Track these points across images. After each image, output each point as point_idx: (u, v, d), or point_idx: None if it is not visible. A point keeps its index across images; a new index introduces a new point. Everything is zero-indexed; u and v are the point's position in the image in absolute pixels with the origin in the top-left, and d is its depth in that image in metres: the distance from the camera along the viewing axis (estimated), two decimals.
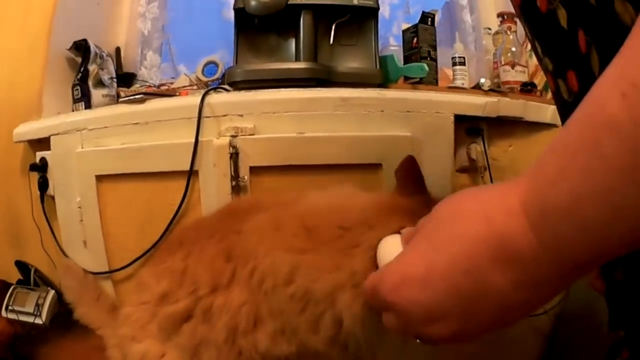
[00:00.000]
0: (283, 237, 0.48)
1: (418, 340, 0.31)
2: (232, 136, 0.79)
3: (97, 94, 0.99)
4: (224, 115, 0.81)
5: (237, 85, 0.85)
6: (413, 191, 0.50)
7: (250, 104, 0.80)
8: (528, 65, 1.03)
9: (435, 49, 0.93)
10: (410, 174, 0.52)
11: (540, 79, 1.03)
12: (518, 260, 0.24)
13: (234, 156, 0.79)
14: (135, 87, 1.03)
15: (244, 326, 0.51)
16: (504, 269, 0.25)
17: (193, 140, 0.80)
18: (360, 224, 0.44)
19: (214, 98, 0.82)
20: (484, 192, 0.27)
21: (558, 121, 1.04)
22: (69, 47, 1.05)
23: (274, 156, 0.78)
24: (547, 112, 0.98)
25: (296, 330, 0.48)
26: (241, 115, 0.80)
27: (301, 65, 0.84)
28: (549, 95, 1.02)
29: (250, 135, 0.79)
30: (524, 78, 1.00)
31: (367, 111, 0.80)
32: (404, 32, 0.95)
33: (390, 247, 0.37)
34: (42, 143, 1.00)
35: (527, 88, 0.99)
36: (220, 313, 0.52)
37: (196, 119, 0.81)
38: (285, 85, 0.82)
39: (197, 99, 0.82)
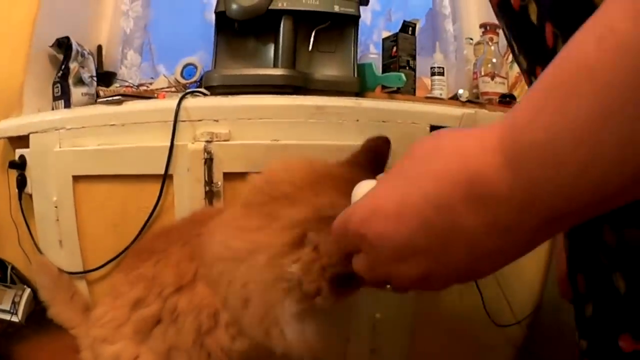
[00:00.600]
0: (226, 223, 0.49)
1: (388, 286, 0.30)
2: (207, 141, 0.80)
3: (76, 93, 0.99)
4: (200, 120, 0.81)
5: (214, 90, 0.86)
6: (364, 168, 0.50)
7: (226, 109, 0.81)
8: (508, 77, 1.04)
9: (414, 58, 0.93)
10: (375, 153, 0.51)
11: (519, 91, 1.04)
12: (489, 199, 0.24)
13: (208, 162, 0.80)
14: (115, 86, 1.03)
15: (207, 324, 0.51)
16: (476, 208, 0.24)
17: (168, 144, 0.81)
18: (284, 196, 0.45)
19: (190, 102, 0.82)
20: (463, 131, 0.27)
21: None
22: (51, 44, 1.05)
23: (248, 163, 0.79)
24: None
25: (236, 314, 0.47)
26: (217, 121, 0.81)
27: (278, 72, 0.84)
28: None
29: (225, 141, 0.80)
30: (503, 89, 1.02)
31: (342, 120, 0.81)
32: (384, 40, 0.95)
33: (364, 189, 0.35)
34: (22, 140, 1.00)
35: (506, 100, 1.00)
36: (185, 313, 0.53)
37: (172, 122, 0.81)
38: (263, 92, 0.83)
39: (173, 102, 0.82)
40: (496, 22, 1.06)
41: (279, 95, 0.82)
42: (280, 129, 0.80)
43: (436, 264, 0.27)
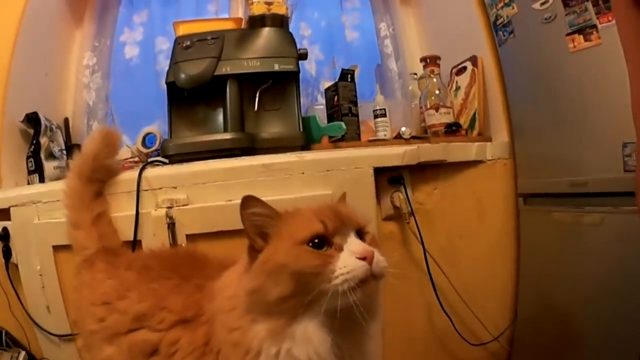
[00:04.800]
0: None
1: None
2: (168, 207, 0.96)
3: (49, 166, 1.16)
4: (160, 188, 0.97)
5: (172, 158, 1.02)
6: None
7: (183, 176, 0.97)
8: (453, 106, 1.18)
9: (356, 104, 1.08)
10: None
11: (465, 118, 1.19)
12: None
13: (171, 226, 0.95)
14: None
15: None
16: None
17: (134, 212, 0.97)
18: None
19: (150, 172, 0.98)
20: None
21: (483, 156, 1.20)
22: (21, 119, 1.22)
23: (206, 224, 0.95)
24: (472, 150, 1.13)
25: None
26: (175, 187, 0.97)
27: (227, 136, 1.00)
28: (475, 132, 1.18)
29: (184, 205, 0.96)
30: (448, 119, 1.16)
31: (288, 175, 0.96)
32: (325, 90, 1.10)
33: None
34: (3, 213, 1.17)
35: (452, 129, 1.14)
36: (186, 351, 0.58)
37: (135, 192, 0.97)
38: (216, 156, 0.99)
39: (135, 173, 0.98)
40: (435, 53, 1.20)
41: (229, 159, 0.97)
42: (232, 189, 0.95)
43: None
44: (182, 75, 1.03)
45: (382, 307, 0.56)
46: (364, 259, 0.48)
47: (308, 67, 1.18)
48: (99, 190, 0.87)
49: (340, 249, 0.50)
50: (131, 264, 0.72)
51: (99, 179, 0.86)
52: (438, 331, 1.14)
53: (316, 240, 0.50)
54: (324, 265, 0.48)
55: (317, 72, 1.28)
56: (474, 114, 1.16)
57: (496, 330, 1.18)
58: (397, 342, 1.09)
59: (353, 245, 0.50)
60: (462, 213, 1.13)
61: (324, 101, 1.12)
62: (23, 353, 1.19)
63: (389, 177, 1.04)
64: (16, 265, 1.17)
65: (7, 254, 1.19)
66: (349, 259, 0.48)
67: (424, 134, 1.14)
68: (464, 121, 1.17)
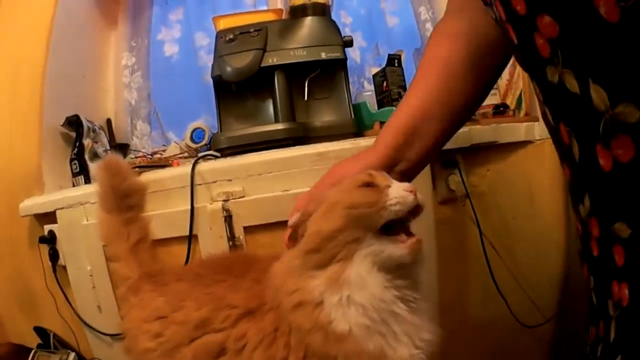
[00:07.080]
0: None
1: None
2: (224, 200, 0.96)
3: (94, 167, 1.17)
4: (214, 182, 0.98)
5: (223, 151, 1.02)
6: None
7: (237, 168, 0.97)
8: (499, 87, 1.18)
9: (405, 88, 1.08)
10: None
11: (511, 99, 1.18)
12: None
13: (228, 219, 0.96)
14: (130, 157, 1.20)
15: (281, 354, 0.56)
16: None
17: (189, 207, 0.97)
18: None
19: (203, 166, 0.99)
20: None
21: (532, 137, 1.20)
22: (62, 123, 1.23)
23: (263, 215, 0.95)
24: (520, 130, 1.12)
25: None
26: (230, 180, 0.97)
27: (279, 126, 1.00)
28: (522, 112, 1.17)
29: (240, 198, 0.96)
30: (495, 100, 1.15)
31: None
32: (373, 76, 1.11)
33: None
34: (48, 217, 1.18)
35: (500, 110, 1.14)
36: (255, 343, 0.58)
37: (189, 187, 0.98)
38: (268, 147, 0.99)
39: (187, 168, 0.98)
40: None
41: (282, 149, 0.97)
42: (288, 179, 0.95)
43: None
44: (228, 69, 1.03)
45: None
46: (410, 192, 0.55)
47: (352, 55, 1.17)
48: (133, 217, 0.82)
49: (388, 188, 0.56)
50: (181, 276, 0.72)
51: (127, 206, 0.83)
52: (491, 314, 1.13)
53: (367, 184, 0.57)
54: (377, 196, 0.54)
55: (362, 59, 1.28)
56: (520, 94, 1.16)
57: (548, 312, 1.17)
58: (451, 325, 1.09)
59: (398, 183, 0.56)
60: (514, 194, 1.12)
61: (371, 88, 1.12)
62: (72, 354, 1.19)
63: (442, 160, 1.04)
64: (64, 267, 1.18)
65: (55, 256, 1.19)
66: (399, 190, 0.55)
67: (472, 116, 1.13)
68: (510, 102, 1.17)
